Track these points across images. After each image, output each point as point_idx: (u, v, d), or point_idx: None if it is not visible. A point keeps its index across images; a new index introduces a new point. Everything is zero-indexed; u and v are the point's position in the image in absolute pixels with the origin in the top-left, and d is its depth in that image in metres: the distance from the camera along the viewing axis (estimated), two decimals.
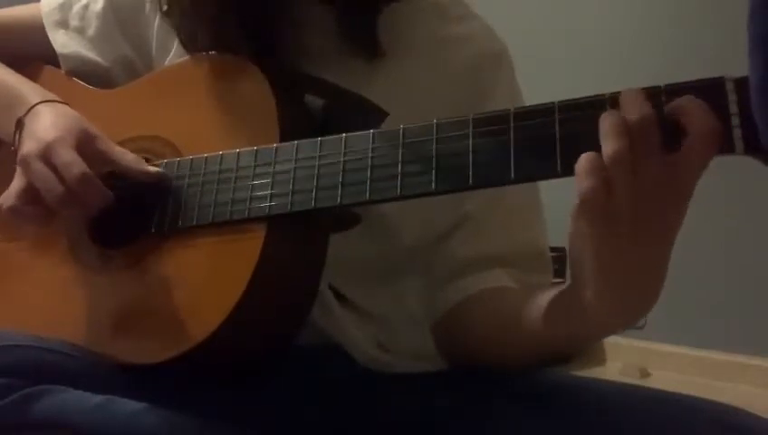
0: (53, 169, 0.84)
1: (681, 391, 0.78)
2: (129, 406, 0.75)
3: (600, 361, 2.51)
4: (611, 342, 2.51)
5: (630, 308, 0.69)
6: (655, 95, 0.66)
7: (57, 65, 1.05)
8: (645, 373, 2.36)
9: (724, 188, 2.31)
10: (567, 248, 0.69)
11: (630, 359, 2.41)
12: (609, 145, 0.63)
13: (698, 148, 0.62)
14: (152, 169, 0.88)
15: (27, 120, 0.91)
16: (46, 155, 0.85)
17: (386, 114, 0.84)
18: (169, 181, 0.87)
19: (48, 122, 0.89)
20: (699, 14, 2.31)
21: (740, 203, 2.25)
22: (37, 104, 0.92)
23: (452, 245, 0.91)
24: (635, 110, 0.63)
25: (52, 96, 0.95)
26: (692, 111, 0.63)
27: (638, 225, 0.63)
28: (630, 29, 2.46)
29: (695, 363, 2.33)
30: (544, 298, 0.77)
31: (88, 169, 0.84)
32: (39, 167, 0.85)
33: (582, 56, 2.46)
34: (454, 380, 0.90)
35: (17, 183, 0.87)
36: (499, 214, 0.90)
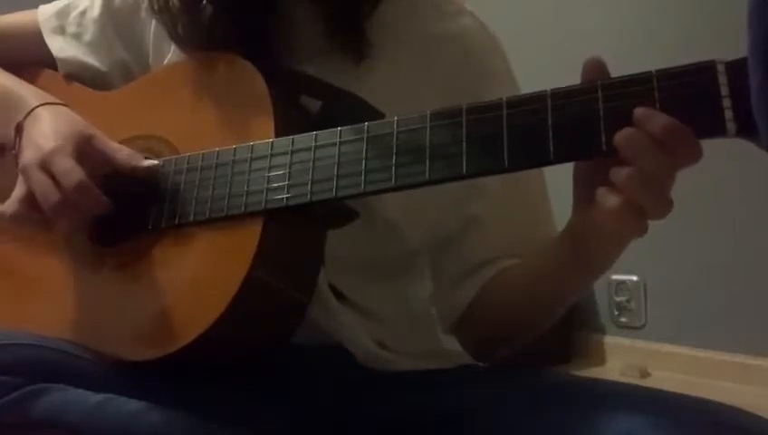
0: (51, 177, 0.85)
1: (681, 391, 0.78)
2: (128, 405, 0.75)
3: (600, 361, 2.50)
4: (611, 342, 2.51)
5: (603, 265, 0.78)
6: (646, 81, 0.67)
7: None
8: (645, 373, 2.35)
9: (725, 188, 2.32)
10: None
11: (630, 359, 2.40)
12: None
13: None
14: (144, 163, 0.88)
15: (26, 125, 0.91)
16: (45, 164, 0.86)
17: (382, 115, 0.84)
18: (161, 173, 0.87)
19: (47, 128, 0.89)
20: (699, 6, 2.30)
21: (740, 203, 2.25)
22: (36, 107, 0.93)
23: (464, 248, 0.91)
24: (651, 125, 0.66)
25: (50, 98, 0.95)
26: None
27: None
28: (628, 23, 2.45)
29: (695, 363, 2.32)
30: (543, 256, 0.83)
31: (85, 177, 0.85)
32: (38, 175, 0.86)
33: (578, 49, 2.45)
34: (454, 378, 0.90)
35: (18, 191, 0.88)
36: (509, 213, 0.90)
